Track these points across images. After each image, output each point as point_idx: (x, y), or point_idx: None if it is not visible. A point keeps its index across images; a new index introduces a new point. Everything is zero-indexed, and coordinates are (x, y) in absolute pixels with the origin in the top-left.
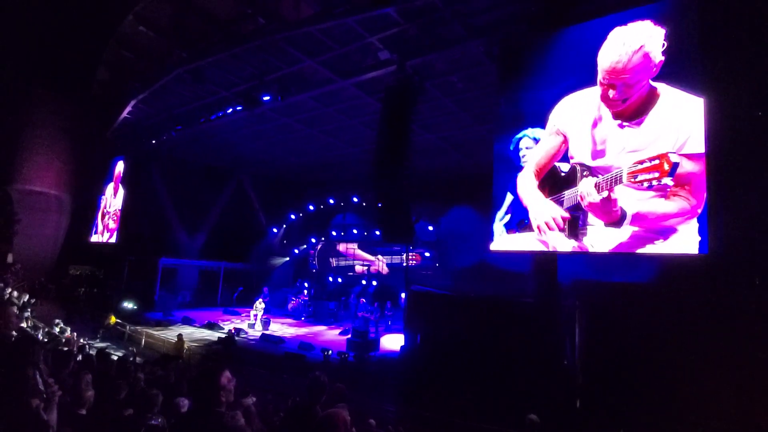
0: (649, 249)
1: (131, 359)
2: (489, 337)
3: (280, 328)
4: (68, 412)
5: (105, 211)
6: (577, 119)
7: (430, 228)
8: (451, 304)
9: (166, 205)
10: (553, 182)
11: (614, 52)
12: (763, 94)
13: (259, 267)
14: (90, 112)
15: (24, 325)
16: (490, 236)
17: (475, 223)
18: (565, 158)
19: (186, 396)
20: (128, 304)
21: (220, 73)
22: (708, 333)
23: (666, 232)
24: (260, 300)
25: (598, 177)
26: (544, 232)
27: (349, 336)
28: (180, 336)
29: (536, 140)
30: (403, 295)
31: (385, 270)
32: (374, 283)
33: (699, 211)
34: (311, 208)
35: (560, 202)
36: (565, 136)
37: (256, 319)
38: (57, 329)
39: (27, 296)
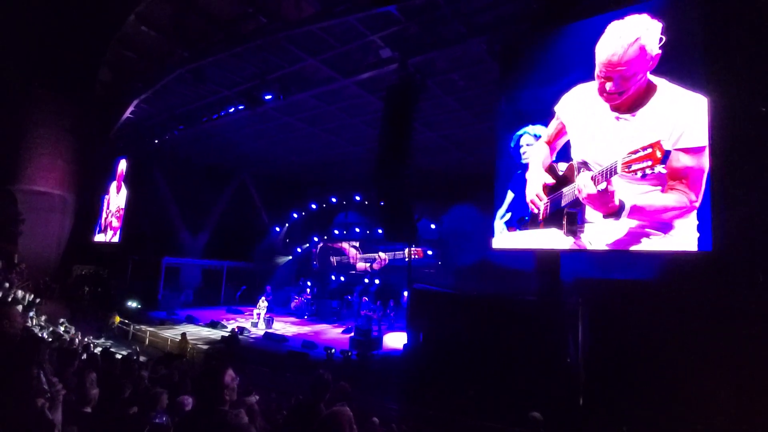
0: (646, 245)
1: (135, 358)
2: (491, 335)
3: (283, 326)
4: (73, 410)
5: (108, 210)
6: (580, 112)
7: (432, 226)
8: (453, 303)
9: (169, 204)
10: (553, 181)
11: (611, 44)
12: (765, 91)
13: (262, 266)
14: (92, 112)
15: (29, 324)
16: (491, 234)
17: (476, 221)
18: (565, 158)
19: (189, 394)
20: (132, 303)
21: (222, 73)
22: (710, 331)
23: (664, 227)
24: (263, 299)
25: (594, 170)
26: (536, 208)
27: (352, 334)
28: (183, 335)
29: (537, 137)
30: (405, 293)
31: (386, 261)
32: (377, 281)
33: (697, 205)
34: (313, 206)
35: (559, 199)
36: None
37: (259, 318)
38: (61, 328)
39: (32, 296)
